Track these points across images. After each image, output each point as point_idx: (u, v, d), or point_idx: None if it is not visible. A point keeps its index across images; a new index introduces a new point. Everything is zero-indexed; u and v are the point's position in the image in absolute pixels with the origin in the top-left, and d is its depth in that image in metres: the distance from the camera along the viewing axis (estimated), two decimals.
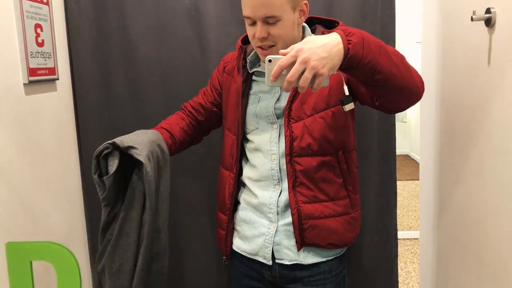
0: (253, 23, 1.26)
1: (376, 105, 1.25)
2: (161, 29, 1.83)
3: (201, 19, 1.82)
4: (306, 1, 1.29)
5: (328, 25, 1.37)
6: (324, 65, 0.98)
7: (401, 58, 1.12)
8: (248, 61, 1.40)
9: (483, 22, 1.23)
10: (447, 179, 1.67)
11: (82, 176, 1.87)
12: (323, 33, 1.13)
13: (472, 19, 1.22)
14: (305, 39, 1.03)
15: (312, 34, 1.36)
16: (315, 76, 0.99)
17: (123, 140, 1.25)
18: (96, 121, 1.86)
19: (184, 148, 1.54)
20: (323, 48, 0.99)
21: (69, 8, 1.76)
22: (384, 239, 1.92)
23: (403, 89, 1.13)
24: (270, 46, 1.27)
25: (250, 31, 1.28)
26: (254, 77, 1.41)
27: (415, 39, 5.33)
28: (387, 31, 1.82)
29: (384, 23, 1.81)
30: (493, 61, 1.21)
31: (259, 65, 1.40)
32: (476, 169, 1.38)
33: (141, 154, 1.24)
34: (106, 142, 1.23)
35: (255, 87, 1.40)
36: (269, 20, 1.23)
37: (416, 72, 1.16)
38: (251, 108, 1.39)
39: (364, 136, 1.86)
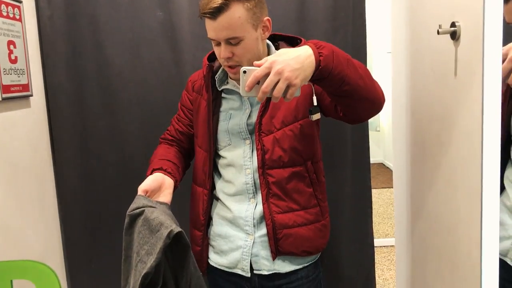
0: (218, 44, 1.29)
1: (340, 116, 1.30)
2: (136, 44, 1.84)
3: (175, 34, 1.83)
4: (269, 18, 1.33)
5: (291, 42, 1.42)
6: (297, 76, 1.04)
7: (366, 71, 1.20)
8: (216, 79, 1.42)
9: (449, 35, 1.27)
10: (420, 187, 1.71)
11: (57, 192, 1.85)
12: None
13: (438, 33, 1.26)
14: (278, 52, 1.08)
15: (276, 51, 1.40)
16: (288, 87, 1.04)
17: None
18: (70, 137, 1.85)
19: None
20: (296, 60, 1.04)
21: (42, 24, 1.76)
22: (361, 247, 1.96)
23: (368, 99, 1.20)
24: (236, 66, 1.31)
25: (216, 51, 1.32)
26: (223, 95, 1.43)
27: (386, 49, 5.44)
28: (358, 42, 1.87)
29: (355, 35, 1.86)
30: (459, 72, 1.26)
31: (228, 83, 1.42)
32: (447, 178, 1.42)
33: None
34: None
35: (225, 104, 1.43)
36: (232, 41, 1.27)
37: (378, 85, 1.23)
38: (222, 125, 1.41)
39: (339, 145, 1.90)
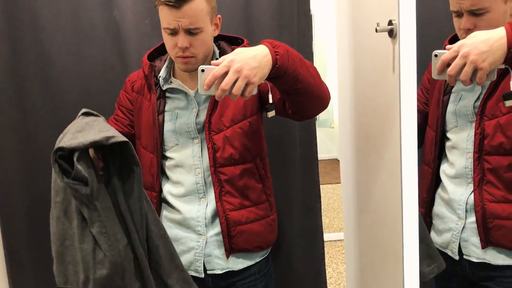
0: (174, 34, 1.28)
1: (288, 113, 1.33)
2: (79, 43, 1.79)
3: (120, 31, 1.80)
4: (220, 16, 1.34)
5: (232, 42, 1.43)
6: (255, 74, 1.07)
7: (315, 70, 1.25)
8: (160, 78, 1.41)
9: (387, 33, 1.32)
10: (366, 180, 1.76)
11: None
12: (232, 49, 1.24)
13: (376, 31, 1.30)
14: (235, 51, 1.11)
15: (217, 50, 1.42)
16: (247, 85, 1.07)
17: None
18: (11, 140, 1.79)
19: None
20: (253, 59, 1.08)
21: None
22: (311, 241, 1.99)
23: (317, 97, 1.25)
24: (190, 57, 1.30)
25: (170, 41, 1.30)
26: (167, 94, 1.42)
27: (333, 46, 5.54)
28: (304, 41, 1.90)
29: (301, 33, 1.89)
30: (397, 69, 1.30)
31: (171, 82, 1.41)
32: (390, 170, 1.46)
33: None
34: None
35: (170, 104, 1.42)
36: (192, 31, 1.27)
37: (325, 84, 1.29)
38: (168, 125, 1.40)
39: (288, 141, 1.93)
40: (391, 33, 1.29)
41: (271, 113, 1.31)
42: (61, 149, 1.18)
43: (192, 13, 1.25)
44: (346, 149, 1.96)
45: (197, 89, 1.19)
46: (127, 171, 1.25)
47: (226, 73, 1.07)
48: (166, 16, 1.27)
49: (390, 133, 1.42)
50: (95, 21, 1.79)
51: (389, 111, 1.41)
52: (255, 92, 1.12)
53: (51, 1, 1.75)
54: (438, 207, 1.50)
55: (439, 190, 1.50)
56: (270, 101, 1.30)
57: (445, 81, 1.21)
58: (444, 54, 1.09)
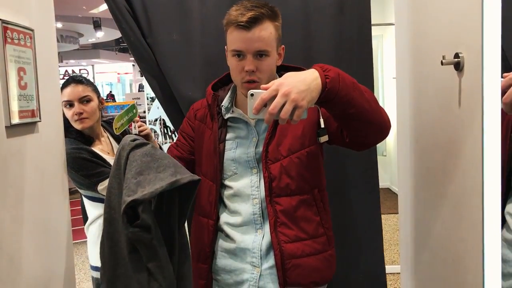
0: (241, 57, 1.31)
1: (346, 142, 1.30)
2: None
3: None
4: (283, 46, 1.35)
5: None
6: (303, 98, 1.05)
7: (372, 95, 1.21)
8: (222, 107, 1.43)
9: (452, 65, 1.29)
10: (425, 215, 1.70)
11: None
12: None
13: (442, 63, 1.27)
14: (285, 75, 1.10)
15: None
16: (295, 108, 1.05)
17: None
18: None
19: None
20: (302, 82, 1.06)
21: None
22: (372, 275, 1.93)
23: (373, 123, 1.21)
24: (255, 82, 1.31)
25: (237, 65, 1.33)
26: (229, 123, 1.44)
27: (392, 74, 5.47)
28: (365, 71, 1.88)
29: (361, 62, 1.88)
30: (463, 103, 1.26)
31: (233, 111, 1.43)
32: (453, 207, 1.41)
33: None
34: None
35: (231, 133, 1.43)
36: (260, 55, 1.29)
37: (384, 110, 1.24)
38: (229, 154, 1.41)
39: (349, 171, 1.90)
40: (457, 66, 1.26)
41: (324, 138, 1.30)
42: (134, 201, 1.17)
43: (261, 36, 1.27)
44: (405, 182, 1.91)
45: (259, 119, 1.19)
46: (172, 198, 1.28)
47: (275, 97, 1.05)
48: (235, 39, 1.29)
49: (454, 169, 1.37)
50: None
51: (452, 146, 1.37)
52: (304, 116, 1.08)
53: None
54: (503, 249, 1.42)
55: (503, 231, 1.43)
56: (322, 125, 1.29)
57: None
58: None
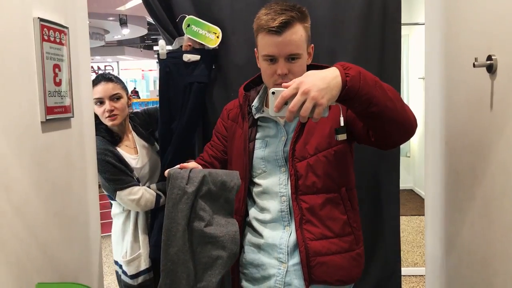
0: (273, 61, 1.32)
1: (372, 141, 1.29)
2: None
3: None
4: (312, 45, 1.36)
5: None
6: (323, 96, 1.05)
7: (396, 93, 1.19)
8: (252, 107, 1.45)
9: (485, 68, 1.27)
10: (453, 218, 1.69)
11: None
12: None
13: (474, 66, 1.26)
14: (306, 73, 1.10)
15: None
16: (315, 106, 1.05)
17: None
18: None
19: None
20: (322, 80, 1.06)
21: None
22: (388, 275, 1.93)
23: (398, 122, 1.19)
24: None
25: (269, 69, 1.34)
26: (259, 123, 1.46)
27: (417, 74, 5.41)
28: (393, 71, 1.88)
29: (388, 62, 1.87)
30: (495, 105, 1.25)
31: (263, 111, 1.45)
32: (482, 210, 1.40)
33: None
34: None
35: (261, 132, 1.45)
36: (292, 58, 1.30)
37: (410, 109, 1.22)
38: (258, 153, 1.43)
39: (369, 173, 1.90)
40: (490, 69, 1.24)
41: (342, 136, 1.29)
42: None
43: (293, 39, 1.28)
44: (433, 183, 1.89)
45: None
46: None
47: (295, 95, 1.06)
48: (267, 44, 1.31)
49: (483, 172, 1.36)
50: None
51: (483, 149, 1.36)
52: (325, 114, 1.09)
53: None
54: None
55: None
56: (342, 124, 1.29)
57: None
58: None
